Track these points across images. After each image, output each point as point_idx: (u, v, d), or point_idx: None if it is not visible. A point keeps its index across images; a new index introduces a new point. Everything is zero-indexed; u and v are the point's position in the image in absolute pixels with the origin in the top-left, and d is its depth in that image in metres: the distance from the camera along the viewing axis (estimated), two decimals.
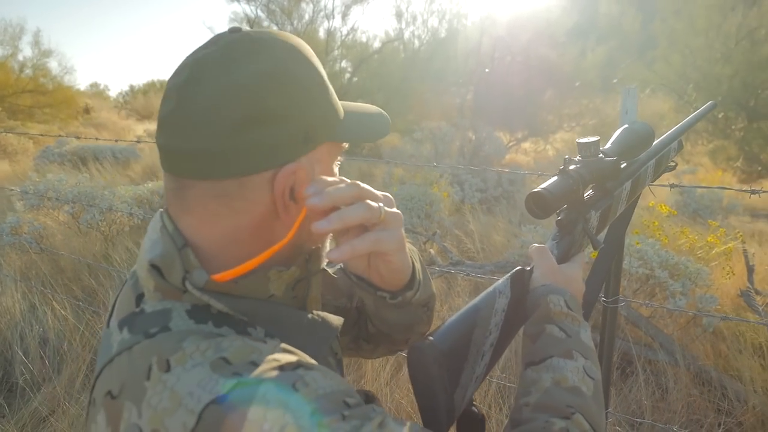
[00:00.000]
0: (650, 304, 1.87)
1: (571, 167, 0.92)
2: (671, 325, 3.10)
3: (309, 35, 16.14)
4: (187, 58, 0.61)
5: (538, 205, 0.87)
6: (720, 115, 13.49)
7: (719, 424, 2.46)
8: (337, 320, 0.71)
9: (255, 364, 0.53)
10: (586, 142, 0.96)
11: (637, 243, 3.03)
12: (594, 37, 14.05)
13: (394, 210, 0.65)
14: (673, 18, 13.71)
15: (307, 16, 16.20)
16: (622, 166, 1.06)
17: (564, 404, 0.65)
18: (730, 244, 3.34)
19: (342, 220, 0.60)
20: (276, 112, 0.58)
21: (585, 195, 0.98)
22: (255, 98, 0.57)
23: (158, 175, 7.70)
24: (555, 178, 0.90)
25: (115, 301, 0.66)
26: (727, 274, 3.19)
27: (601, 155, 0.97)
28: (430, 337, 0.69)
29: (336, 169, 0.69)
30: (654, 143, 1.16)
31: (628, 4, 14.66)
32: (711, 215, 7.01)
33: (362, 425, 0.50)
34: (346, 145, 0.69)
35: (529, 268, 0.88)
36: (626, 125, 1.09)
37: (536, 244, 0.91)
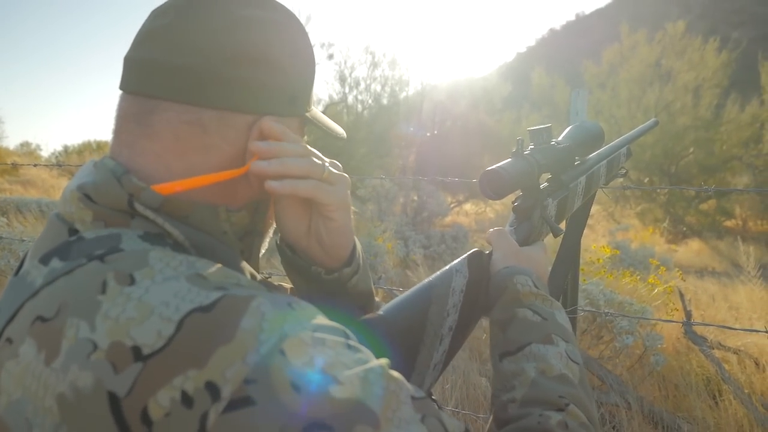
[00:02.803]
0: (610, 314, 1.81)
1: (525, 151, 0.89)
2: (619, 366, 3.07)
3: None
4: None
5: (493, 186, 0.82)
6: (645, 180, 14.37)
7: None
8: (290, 288, 0.67)
9: (240, 285, 0.47)
10: (537, 129, 0.94)
11: (584, 280, 3.03)
12: (528, 106, 14.88)
13: (342, 173, 0.62)
14: (599, 90, 14.77)
15: None
16: (576, 162, 1.06)
17: (556, 395, 0.57)
18: (671, 282, 3.41)
19: (284, 166, 0.56)
20: (274, 59, 0.57)
21: (541, 185, 0.96)
22: (260, 38, 0.56)
23: None
24: (509, 160, 0.86)
25: (26, 254, 0.58)
26: (672, 310, 3.23)
27: (553, 142, 0.95)
28: (381, 311, 0.60)
29: None
30: (605, 147, 1.17)
31: (558, 76, 15.72)
32: (645, 270, 7.27)
33: (369, 360, 0.45)
34: (306, 138, 0.67)
35: (487, 252, 0.82)
36: (577, 123, 1.10)
37: (495, 228, 0.85)
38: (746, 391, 2.73)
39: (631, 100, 14.22)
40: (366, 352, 0.46)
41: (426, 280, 0.71)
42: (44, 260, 0.50)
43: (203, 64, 0.53)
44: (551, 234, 0.94)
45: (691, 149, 13.90)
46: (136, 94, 0.56)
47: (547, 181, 0.98)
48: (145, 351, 0.40)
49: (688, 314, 3.54)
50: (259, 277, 0.62)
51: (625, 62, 14.64)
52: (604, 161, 1.13)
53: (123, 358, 0.40)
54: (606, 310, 2.46)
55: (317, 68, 0.66)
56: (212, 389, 0.39)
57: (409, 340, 0.64)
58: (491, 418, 0.61)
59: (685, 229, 12.36)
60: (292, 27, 0.61)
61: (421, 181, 10.02)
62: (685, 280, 4.01)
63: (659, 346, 2.88)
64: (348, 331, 0.47)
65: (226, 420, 0.39)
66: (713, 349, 3.08)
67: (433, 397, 0.68)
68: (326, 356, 0.42)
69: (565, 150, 0.96)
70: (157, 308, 0.42)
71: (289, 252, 0.65)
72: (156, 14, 0.57)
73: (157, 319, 0.42)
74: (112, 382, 0.40)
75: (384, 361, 0.46)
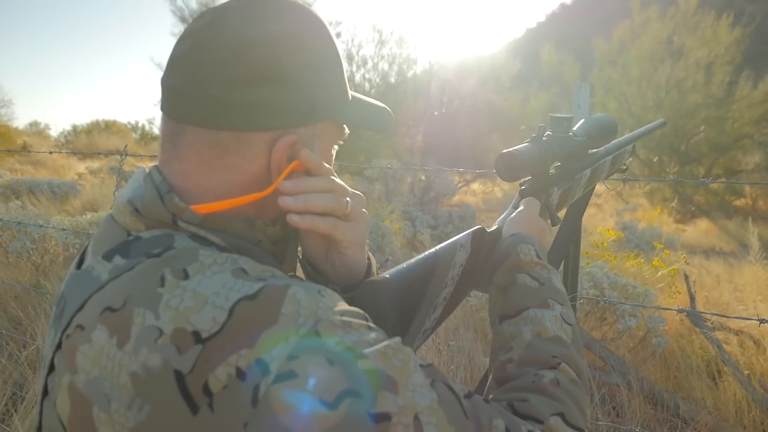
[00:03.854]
0: (608, 301, 1.86)
1: (543, 137, 0.92)
2: (622, 347, 3.12)
3: None
4: (212, 7, 0.62)
5: (508, 167, 0.86)
6: (655, 159, 14.27)
7: None
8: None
9: (276, 276, 0.54)
10: (559, 117, 0.97)
11: (588, 264, 3.07)
12: (537, 84, 14.76)
13: (362, 210, 0.67)
14: (609, 68, 14.59)
15: None
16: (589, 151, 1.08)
17: (549, 355, 0.64)
18: (675, 265, 3.44)
19: (307, 204, 0.61)
20: (286, 74, 0.58)
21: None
22: (269, 57, 0.58)
23: (98, 209, 7.36)
24: (527, 143, 0.90)
25: (86, 248, 0.64)
26: (674, 293, 3.27)
27: (571, 134, 0.98)
28: (387, 275, 0.65)
29: (334, 153, 0.69)
30: (613, 141, 1.20)
31: (568, 53, 15.52)
32: (651, 250, 7.28)
33: (385, 338, 0.52)
34: (347, 131, 0.69)
35: (489, 230, 0.86)
36: (595, 115, 1.12)
37: (530, 197, 0.91)
38: (746, 372, 2.78)
39: (641, 78, 14.04)
40: (382, 332, 0.53)
41: (432, 250, 0.76)
42: (107, 257, 0.57)
43: (217, 90, 0.57)
44: (550, 222, 0.99)
45: (702, 127, 13.76)
46: (168, 116, 0.61)
47: (555, 168, 1.01)
48: (204, 335, 0.47)
49: (692, 296, 3.58)
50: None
51: (637, 39, 14.42)
52: (610, 156, 1.16)
53: (185, 341, 0.47)
54: (605, 298, 2.50)
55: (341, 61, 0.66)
56: (262, 365, 0.46)
57: (407, 305, 0.69)
58: (491, 377, 0.68)
59: (693, 208, 12.31)
60: (307, 35, 0.61)
61: (429, 161, 10.02)
62: (688, 263, 4.04)
63: (661, 328, 2.93)
64: (367, 315, 0.54)
65: (275, 390, 0.46)
66: (715, 330, 3.12)
67: None
68: (353, 336, 0.49)
69: (580, 144, 0.99)
70: (210, 298, 0.49)
71: (309, 268, 0.72)
72: (180, 39, 0.61)
73: (211, 308, 0.48)
74: (177, 361, 0.47)
75: (397, 338, 0.53)
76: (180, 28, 17.29)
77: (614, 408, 2.66)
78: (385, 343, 0.51)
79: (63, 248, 4.13)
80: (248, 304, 0.48)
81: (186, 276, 0.51)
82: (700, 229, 10.31)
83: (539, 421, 0.56)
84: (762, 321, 1.30)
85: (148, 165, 0.66)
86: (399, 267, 0.69)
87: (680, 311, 1.41)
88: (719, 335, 3.25)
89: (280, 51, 0.59)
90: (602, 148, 1.14)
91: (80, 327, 0.53)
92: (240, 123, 0.58)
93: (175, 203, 0.58)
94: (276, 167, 0.61)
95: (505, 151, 0.84)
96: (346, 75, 0.68)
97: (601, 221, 9.22)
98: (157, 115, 0.65)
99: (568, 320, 0.70)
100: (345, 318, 0.50)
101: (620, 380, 2.76)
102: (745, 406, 2.60)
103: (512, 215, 0.87)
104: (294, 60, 0.59)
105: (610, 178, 1.38)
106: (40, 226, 3.42)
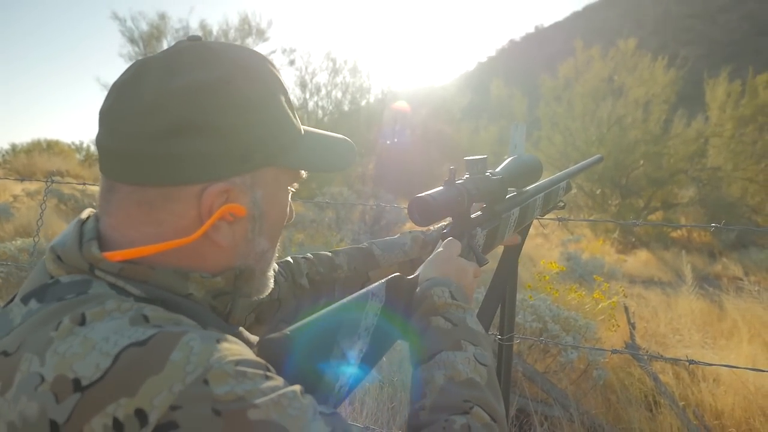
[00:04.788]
0: (543, 341, 1.87)
1: (458, 181, 0.92)
2: (564, 379, 3.16)
3: None
4: (139, 59, 0.61)
5: (421, 212, 0.85)
6: (598, 192, 14.82)
7: None
8: (253, 338, 0.69)
9: (177, 324, 0.51)
10: (473, 159, 0.97)
11: (531, 297, 3.11)
12: (486, 116, 15.18)
13: None
14: (555, 103, 15.18)
15: None
16: (512, 194, 1.09)
17: (461, 400, 0.62)
18: (614, 298, 3.54)
19: None
20: (212, 123, 0.56)
21: (473, 214, 0.98)
22: (191, 106, 0.55)
23: (32, 235, 7.00)
24: (440, 187, 0.89)
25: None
26: (613, 326, 3.35)
27: (488, 173, 0.98)
28: (287, 331, 0.62)
29: (289, 197, 0.67)
30: (544, 180, 1.21)
31: (516, 87, 16.07)
32: (594, 281, 7.49)
33: (285, 387, 0.49)
34: (303, 173, 0.66)
35: (408, 277, 0.84)
36: (515, 155, 1.12)
37: (450, 238, 0.91)
38: (681, 403, 2.85)
39: (585, 114, 14.66)
40: (282, 381, 0.50)
41: (340, 302, 0.72)
42: (25, 300, 0.55)
43: (139, 145, 0.55)
44: (476, 263, 0.97)
45: (641, 162, 14.42)
46: (102, 173, 0.60)
47: (481, 210, 1.01)
48: (84, 382, 0.45)
49: (632, 327, 3.68)
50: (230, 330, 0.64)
51: (580, 76, 15.10)
52: (541, 194, 1.16)
53: (64, 389, 0.45)
54: (541, 338, 2.53)
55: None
56: (141, 416, 0.44)
57: (313, 361, 0.65)
58: (406, 424, 0.65)
59: (634, 239, 12.79)
60: (235, 80, 0.58)
61: (380, 190, 10.06)
62: (627, 296, 4.17)
63: (602, 360, 2.99)
64: (269, 366, 0.52)
65: None
66: (652, 361, 3.21)
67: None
68: (245, 385, 0.47)
69: (498, 182, 0.99)
70: (98, 344, 0.47)
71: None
72: (107, 95, 0.59)
73: (96, 354, 0.46)
74: (53, 411, 0.45)
75: (297, 386, 0.50)
76: (129, 49, 16.89)
77: None
78: (281, 391, 0.48)
79: None
80: (136, 350, 0.46)
81: (83, 321, 0.49)
82: (640, 260, 10.70)
83: None
84: (691, 362, 1.34)
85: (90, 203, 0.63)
86: (302, 321, 0.66)
87: (614, 352, 1.44)
88: (656, 365, 3.34)
89: (202, 99, 0.56)
90: (532, 186, 1.14)
91: None
92: (165, 178, 0.56)
93: (92, 252, 0.56)
94: (206, 214, 0.58)
95: (417, 195, 0.83)
96: (291, 115, 0.64)
97: (547, 251, 9.44)
98: None
99: (482, 361, 0.68)
100: (240, 368, 0.48)
101: (562, 413, 2.78)
102: None
103: (429, 258, 0.86)
104: (219, 108, 0.56)
105: (546, 216, 1.39)
106: None
